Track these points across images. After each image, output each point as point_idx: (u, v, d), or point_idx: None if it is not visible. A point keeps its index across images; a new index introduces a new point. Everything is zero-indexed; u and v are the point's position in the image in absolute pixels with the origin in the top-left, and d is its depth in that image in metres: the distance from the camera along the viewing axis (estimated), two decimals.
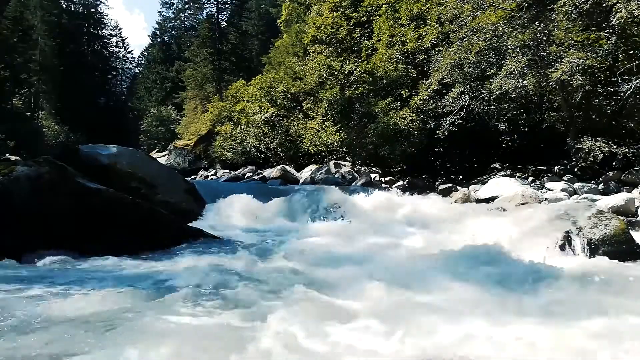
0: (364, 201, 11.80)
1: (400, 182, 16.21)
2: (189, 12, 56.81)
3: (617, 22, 11.42)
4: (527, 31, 13.26)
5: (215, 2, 47.47)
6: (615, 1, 11.39)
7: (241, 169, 24.85)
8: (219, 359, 3.36)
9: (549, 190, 12.21)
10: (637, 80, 11.48)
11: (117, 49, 57.62)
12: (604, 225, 6.88)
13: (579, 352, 3.46)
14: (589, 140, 12.77)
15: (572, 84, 12.88)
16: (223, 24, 47.51)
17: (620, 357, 3.44)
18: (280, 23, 32.41)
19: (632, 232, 7.32)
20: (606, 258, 6.55)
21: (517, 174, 14.23)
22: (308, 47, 23.36)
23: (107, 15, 78.76)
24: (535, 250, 6.88)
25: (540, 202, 10.65)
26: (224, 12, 50.11)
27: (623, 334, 3.80)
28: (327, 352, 3.47)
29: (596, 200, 10.19)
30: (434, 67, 16.47)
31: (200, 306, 4.47)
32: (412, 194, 13.40)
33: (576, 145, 13.17)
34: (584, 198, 10.82)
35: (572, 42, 12.80)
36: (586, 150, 12.73)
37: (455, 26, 15.54)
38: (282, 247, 7.73)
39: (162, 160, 30.12)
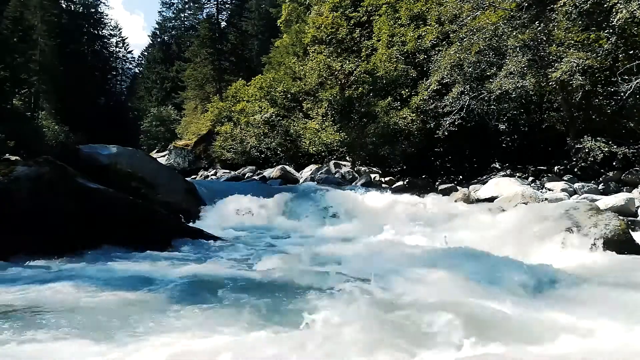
0: (364, 201, 11.81)
1: (400, 182, 16.21)
2: (189, 12, 56.74)
3: (618, 22, 11.42)
4: (527, 31, 13.26)
5: (215, 2, 47.44)
6: (615, 1, 11.39)
7: (241, 169, 24.84)
8: (216, 358, 3.36)
9: (549, 190, 12.21)
10: (637, 80, 11.48)
11: (117, 49, 57.64)
12: (604, 225, 6.89)
13: (580, 352, 3.46)
14: (589, 140, 12.76)
15: (572, 84, 12.87)
16: (223, 24, 47.51)
17: (619, 357, 3.44)
18: (280, 23, 32.38)
19: (632, 232, 7.33)
20: (606, 258, 6.55)
21: (517, 174, 14.23)
22: (308, 47, 23.32)
23: (107, 15, 78.73)
24: (535, 250, 6.89)
25: (540, 202, 10.65)
26: (224, 12, 50.12)
27: (624, 334, 3.80)
28: (325, 351, 3.47)
29: (596, 200, 10.19)
30: (434, 67, 16.47)
31: (199, 306, 4.47)
32: (412, 194, 13.41)
33: (576, 145, 13.17)
34: (584, 198, 10.83)
35: (572, 42, 12.80)
36: (586, 150, 12.73)
37: (455, 26, 15.54)
38: (282, 247, 7.74)
39: (162, 160, 30.10)
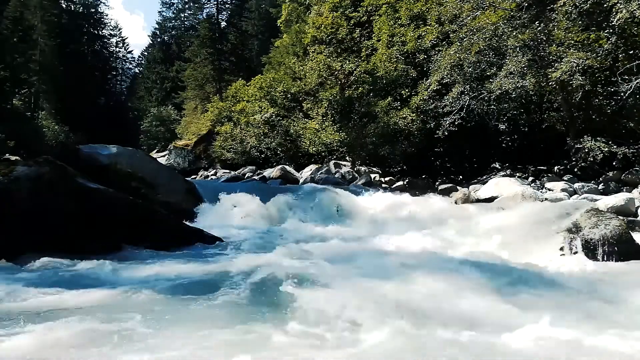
0: (364, 201, 11.80)
1: (400, 182, 16.20)
2: (189, 12, 56.77)
3: (617, 22, 11.42)
4: (527, 31, 13.25)
5: (215, 2, 47.47)
6: (615, 1, 11.39)
7: (241, 169, 24.83)
8: (216, 358, 3.36)
9: (549, 190, 12.20)
10: (637, 80, 11.48)
11: (117, 49, 57.69)
12: (604, 225, 6.87)
13: (581, 352, 3.46)
14: (589, 140, 12.75)
15: (572, 84, 12.87)
16: (223, 24, 47.55)
17: (621, 357, 3.43)
18: (280, 23, 32.39)
19: (632, 232, 7.32)
20: (606, 258, 6.54)
21: (517, 174, 14.22)
22: (308, 47, 23.32)
23: (107, 15, 78.94)
24: (535, 250, 6.89)
25: (540, 202, 10.64)
26: (224, 12, 50.18)
27: (624, 334, 3.79)
28: (324, 351, 3.47)
29: (596, 200, 10.18)
30: (434, 67, 16.46)
31: (198, 306, 4.48)
32: (412, 194, 13.41)
33: (576, 145, 13.17)
34: (584, 198, 10.82)
35: (572, 42, 12.79)
36: (586, 150, 12.72)
37: (455, 26, 15.53)
38: (282, 247, 7.73)
39: (162, 160, 30.10)
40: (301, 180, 18.79)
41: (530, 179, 13.83)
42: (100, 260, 6.28)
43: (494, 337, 3.71)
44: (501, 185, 12.44)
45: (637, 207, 9.70)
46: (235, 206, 11.23)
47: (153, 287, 5.07)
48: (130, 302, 4.58)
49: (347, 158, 19.78)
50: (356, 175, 17.68)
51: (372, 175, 17.40)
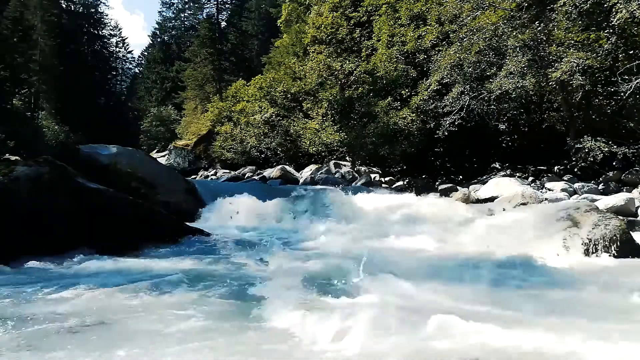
0: (364, 201, 11.79)
1: (400, 182, 16.21)
2: (189, 12, 56.72)
3: (617, 22, 11.43)
4: (527, 31, 13.26)
5: (215, 2, 47.45)
6: (615, 1, 11.40)
7: (241, 169, 24.84)
8: (214, 358, 3.35)
9: (549, 190, 12.21)
10: (637, 80, 11.48)
11: (117, 49, 57.56)
12: (604, 225, 6.88)
13: (580, 352, 3.46)
14: (589, 140, 12.76)
15: (572, 84, 12.88)
16: (223, 24, 47.54)
17: (621, 357, 3.43)
18: (280, 23, 32.39)
19: (632, 232, 7.32)
20: (606, 258, 6.55)
21: (517, 174, 14.22)
22: (308, 47, 23.31)
23: (107, 15, 78.79)
24: (535, 250, 6.89)
25: (540, 202, 10.65)
26: (224, 12, 50.14)
27: (623, 334, 3.79)
28: (324, 350, 3.47)
29: (596, 200, 10.18)
30: (434, 67, 16.47)
31: (198, 305, 4.47)
32: (412, 194, 13.40)
33: (576, 145, 13.17)
34: (584, 198, 10.82)
35: (572, 42, 12.80)
36: (586, 150, 12.73)
37: (455, 26, 15.54)
38: (281, 247, 7.74)
39: (162, 160, 30.09)
40: (301, 180, 18.79)
41: (530, 179, 13.84)
42: (99, 259, 6.28)
43: (493, 335, 3.70)
44: (501, 185, 12.45)
45: (637, 207, 9.72)
46: (234, 206, 11.22)
47: (154, 286, 5.07)
48: (127, 301, 4.57)
49: (347, 158, 19.78)
50: (356, 175, 17.68)
51: (372, 175, 17.41)
